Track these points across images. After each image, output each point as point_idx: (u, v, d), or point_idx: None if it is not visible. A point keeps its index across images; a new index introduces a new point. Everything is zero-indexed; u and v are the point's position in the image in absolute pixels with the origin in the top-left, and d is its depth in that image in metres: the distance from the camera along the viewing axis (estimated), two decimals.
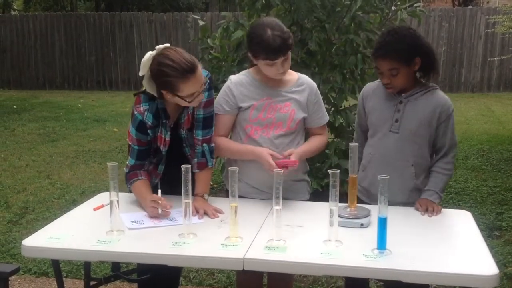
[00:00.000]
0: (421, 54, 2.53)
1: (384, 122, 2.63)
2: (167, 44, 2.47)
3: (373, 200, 2.56)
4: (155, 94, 2.46)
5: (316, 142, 2.76)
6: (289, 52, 2.55)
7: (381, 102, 2.67)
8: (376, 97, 2.70)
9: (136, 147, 2.55)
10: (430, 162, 2.64)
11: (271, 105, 2.63)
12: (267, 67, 2.55)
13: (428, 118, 2.57)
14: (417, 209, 2.53)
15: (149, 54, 2.41)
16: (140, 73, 2.44)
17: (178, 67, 2.34)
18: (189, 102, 2.44)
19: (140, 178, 2.56)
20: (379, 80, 2.69)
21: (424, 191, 2.59)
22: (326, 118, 2.81)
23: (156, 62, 2.38)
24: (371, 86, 2.77)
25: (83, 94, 13.92)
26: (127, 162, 2.58)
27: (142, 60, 2.41)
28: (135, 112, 2.51)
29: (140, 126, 2.50)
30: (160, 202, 2.40)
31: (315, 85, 2.75)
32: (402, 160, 2.60)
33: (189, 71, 2.35)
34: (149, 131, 2.51)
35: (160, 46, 2.43)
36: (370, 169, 2.67)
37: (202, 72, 2.45)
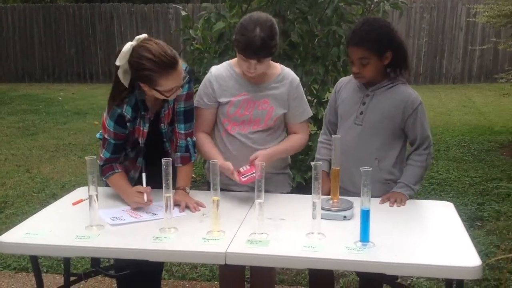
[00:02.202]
0: (393, 48, 2.53)
1: (350, 114, 2.64)
2: (146, 35, 2.38)
3: (341, 193, 2.54)
4: (126, 85, 2.38)
5: (291, 142, 2.71)
6: (267, 58, 2.50)
7: (350, 94, 2.68)
8: (347, 90, 2.71)
9: (112, 141, 2.50)
10: (398, 156, 2.63)
11: (248, 101, 2.60)
12: (241, 61, 2.52)
13: (391, 112, 2.56)
14: (381, 203, 2.51)
15: (129, 45, 2.31)
16: (117, 63, 2.33)
17: (159, 61, 2.26)
18: (167, 96, 2.39)
19: (116, 171, 2.52)
20: None
21: (397, 183, 2.59)
22: (308, 114, 2.75)
23: (136, 55, 2.30)
24: (345, 80, 2.79)
25: (63, 86, 13.76)
26: (101, 155, 2.53)
27: (122, 50, 2.32)
28: (114, 105, 2.46)
29: (119, 119, 2.46)
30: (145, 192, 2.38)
31: (297, 79, 2.70)
32: (365, 152, 2.59)
33: (170, 66, 2.29)
34: (128, 124, 2.47)
35: (140, 37, 2.34)
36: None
37: (182, 66, 2.38)
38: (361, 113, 2.60)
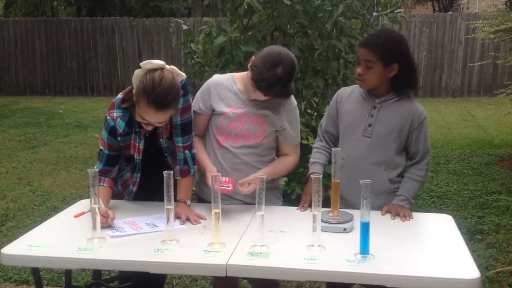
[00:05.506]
0: (400, 62, 2.54)
1: (357, 127, 2.65)
2: (176, 69, 2.39)
3: (348, 206, 2.55)
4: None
5: (280, 165, 2.71)
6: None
7: (354, 106, 2.68)
8: (350, 101, 2.71)
9: (106, 152, 2.54)
10: (403, 167, 2.66)
11: (243, 116, 2.60)
12: (250, 86, 2.51)
13: (400, 125, 2.59)
14: (383, 214, 2.53)
15: (161, 63, 2.33)
16: (140, 64, 2.34)
17: (152, 92, 2.26)
18: (140, 122, 2.42)
19: (101, 184, 2.51)
20: (355, 85, 2.72)
21: (395, 195, 2.60)
22: (298, 140, 2.75)
23: (152, 71, 2.31)
24: (347, 91, 2.78)
25: (64, 100, 13.80)
26: (95, 167, 2.55)
27: (153, 60, 2.34)
28: (108, 117, 2.50)
29: (112, 131, 2.50)
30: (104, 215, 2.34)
31: (294, 102, 2.69)
32: (375, 164, 2.61)
33: (156, 105, 2.28)
34: (118, 138, 2.50)
35: (173, 67, 2.37)
36: (342, 174, 2.66)
37: (169, 114, 2.38)
38: (370, 125, 2.62)
